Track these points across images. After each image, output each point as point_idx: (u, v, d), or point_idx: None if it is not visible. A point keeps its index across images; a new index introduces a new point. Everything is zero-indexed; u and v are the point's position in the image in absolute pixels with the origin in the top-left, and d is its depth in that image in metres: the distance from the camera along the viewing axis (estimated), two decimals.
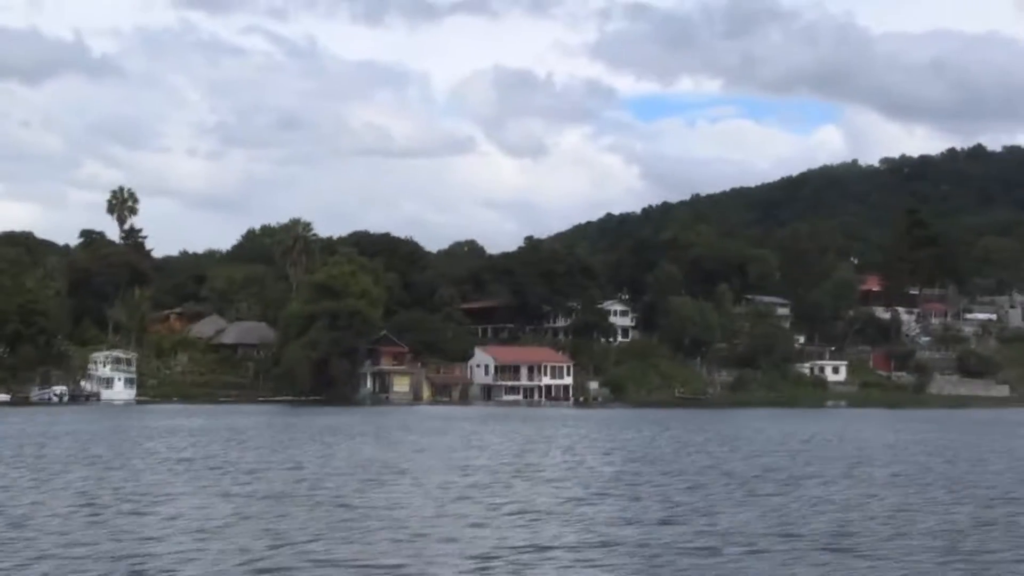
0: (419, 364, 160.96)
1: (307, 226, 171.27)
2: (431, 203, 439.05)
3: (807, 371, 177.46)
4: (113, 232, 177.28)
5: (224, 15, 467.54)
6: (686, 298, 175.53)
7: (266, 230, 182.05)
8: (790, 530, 30.61)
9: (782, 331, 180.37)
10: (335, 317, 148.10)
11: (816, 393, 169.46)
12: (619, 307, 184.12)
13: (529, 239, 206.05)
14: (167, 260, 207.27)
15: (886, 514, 34.52)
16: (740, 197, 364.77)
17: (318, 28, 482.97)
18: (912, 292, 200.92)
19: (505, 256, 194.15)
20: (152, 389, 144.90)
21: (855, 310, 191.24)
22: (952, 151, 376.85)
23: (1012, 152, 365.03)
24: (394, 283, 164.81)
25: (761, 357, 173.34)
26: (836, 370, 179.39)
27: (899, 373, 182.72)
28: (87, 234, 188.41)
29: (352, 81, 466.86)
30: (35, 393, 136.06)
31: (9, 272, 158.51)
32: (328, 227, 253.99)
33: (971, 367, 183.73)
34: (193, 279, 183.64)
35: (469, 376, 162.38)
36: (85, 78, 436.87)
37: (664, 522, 32.18)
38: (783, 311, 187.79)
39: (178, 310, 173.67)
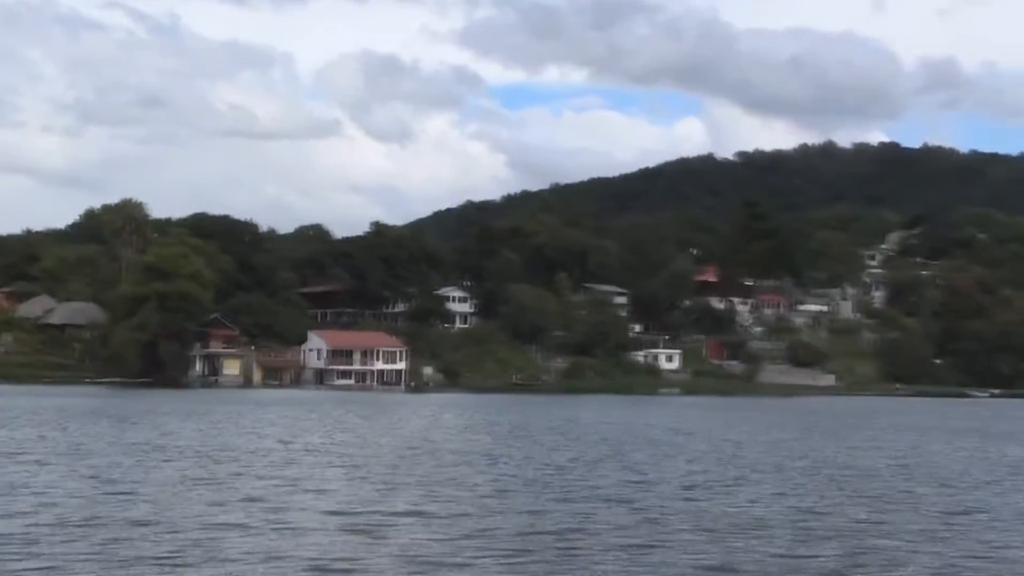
0: (252, 347, 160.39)
1: (139, 206, 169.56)
2: (294, 186, 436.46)
3: (641, 359, 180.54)
4: None
5: None
6: (525, 285, 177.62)
7: (106, 209, 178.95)
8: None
9: (618, 319, 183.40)
10: (164, 299, 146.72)
11: (650, 381, 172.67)
12: (459, 293, 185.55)
13: (376, 224, 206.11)
14: (3, 239, 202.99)
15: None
16: (600, 187, 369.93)
17: (181, 6, 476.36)
18: (748, 284, 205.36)
19: (346, 240, 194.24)
20: None
21: (691, 300, 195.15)
22: (804, 147, 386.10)
23: (862, 149, 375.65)
24: (229, 265, 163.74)
25: (597, 345, 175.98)
26: (670, 358, 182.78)
27: (731, 362, 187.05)
28: None
29: (216, 60, 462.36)
30: None
31: None
32: (186, 208, 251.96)
33: (800, 357, 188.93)
34: (26, 258, 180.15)
35: (303, 360, 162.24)
36: None
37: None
38: (621, 300, 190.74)
39: (7, 289, 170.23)
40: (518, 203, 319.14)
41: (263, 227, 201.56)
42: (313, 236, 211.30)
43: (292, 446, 53.28)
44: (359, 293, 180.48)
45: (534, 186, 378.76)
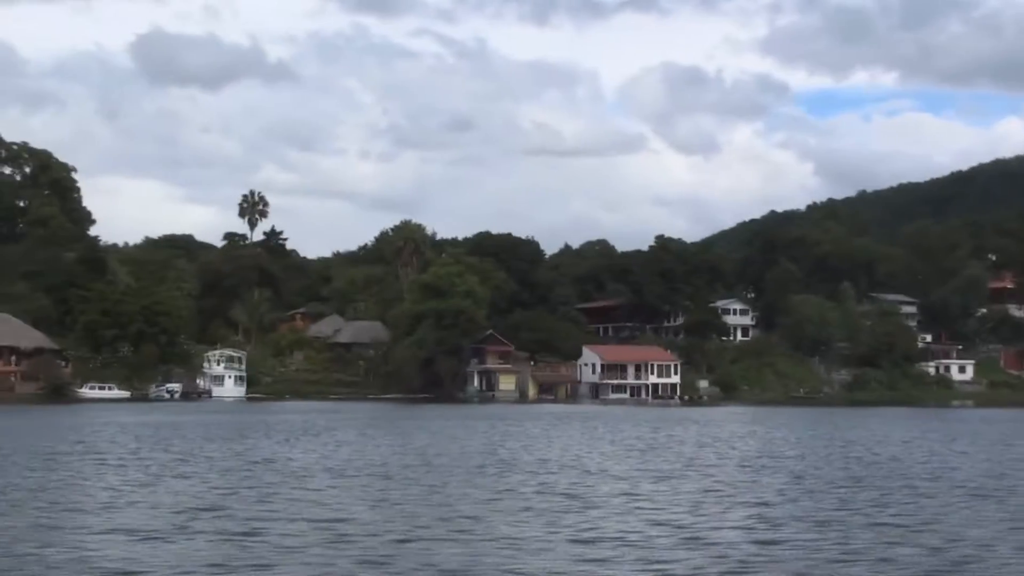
0: (531, 362, 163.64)
1: (419, 227, 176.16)
2: (600, 201, 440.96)
3: (931, 370, 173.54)
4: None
5: (394, 19, 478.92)
6: (806, 296, 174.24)
7: (393, 230, 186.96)
8: None
9: (905, 329, 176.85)
10: (441, 316, 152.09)
11: (940, 393, 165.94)
12: (739, 306, 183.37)
13: (659, 238, 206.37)
14: (305, 261, 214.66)
15: None
16: (908, 193, 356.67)
17: (487, 30, 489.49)
18: None
19: (624, 255, 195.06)
20: (266, 387, 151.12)
21: (986, 308, 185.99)
22: None
23: None
24: (505, 283, 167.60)
25: (882, 356, 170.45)
26: (963, 369, 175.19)
27: None
28: (229, 236, 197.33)
29: (521, 81, 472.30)
30: (152, 390, 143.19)
31: (143, 274, 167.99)
32: (495, 225, 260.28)
33: None
34: (322, 280, 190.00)
35: (578, 374, 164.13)
36: (261, 83, 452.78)
37: None
38: (909, 309, 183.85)
39: (302, 310, 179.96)
40: (821, 212, 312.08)
41: (563, 243, 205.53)
42: (598, 251, 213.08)
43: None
44: (638, 307, 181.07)
45: (842, 194, 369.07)
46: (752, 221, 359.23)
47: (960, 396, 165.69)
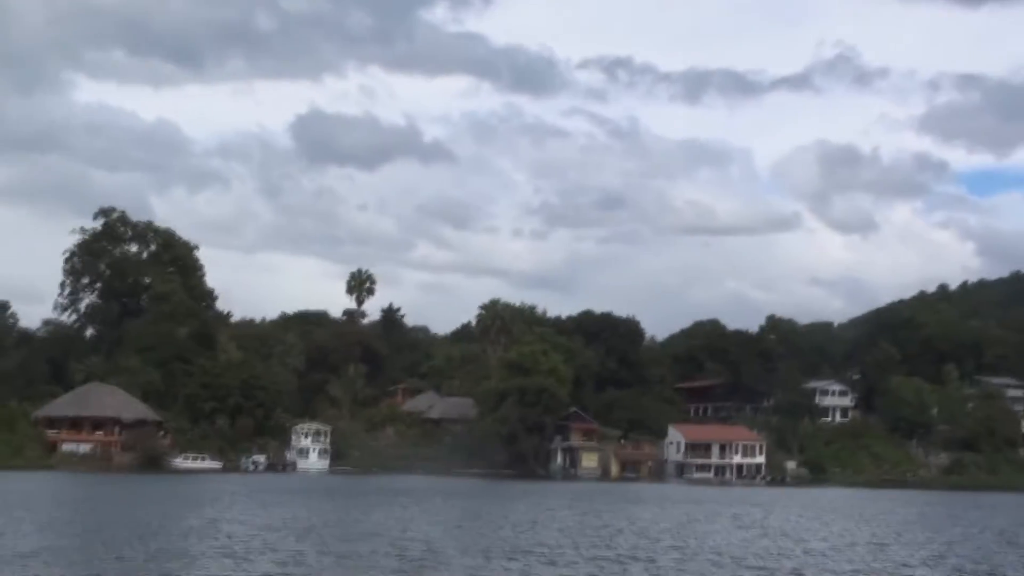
0: (621, 440, 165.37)
1: (506, 306, 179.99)
2: (753, 280, 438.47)
3: None
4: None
5: (547, 98, 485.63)
6: (904, 377, 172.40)
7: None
8: None
9: (1008, 413, 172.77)
10: (524, 393, 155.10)
11: None
12: (836, 387, 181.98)
13: (770, 318, 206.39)
14: (425, 338, 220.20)
15: None
16: None
17: (639, 109, 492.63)
18: None
19: (724, 335, 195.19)
20: (354, 460, 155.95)
21: None
22: None
23: None
24: (591, 361, 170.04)
25: (983, 440, 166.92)
26: None
27: None
28: (348, 313, 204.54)
29: (674, 159, 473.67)
30: (242, 462, 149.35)
31: (252, 349, 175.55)
32: (640, 304, 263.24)
33: None
34: (427, 356, 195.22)
35: (664, 453, 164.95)
36: (417, 162, 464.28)
37: None
38: (1016, 393, 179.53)
39: (403, 385, 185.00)
40: (970, 292, 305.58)
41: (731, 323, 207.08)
42: (707, 331, 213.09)
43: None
44: (736, 387, 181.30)
45: (1000, 274, 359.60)
46: (900, 302, 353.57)
47: None
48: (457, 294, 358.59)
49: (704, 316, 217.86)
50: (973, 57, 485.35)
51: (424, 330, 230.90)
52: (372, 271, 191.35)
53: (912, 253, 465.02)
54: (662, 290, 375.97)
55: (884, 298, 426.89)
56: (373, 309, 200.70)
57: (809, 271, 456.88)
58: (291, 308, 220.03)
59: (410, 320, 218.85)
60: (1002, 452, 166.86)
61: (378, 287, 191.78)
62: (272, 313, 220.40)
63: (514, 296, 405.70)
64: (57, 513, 63.95)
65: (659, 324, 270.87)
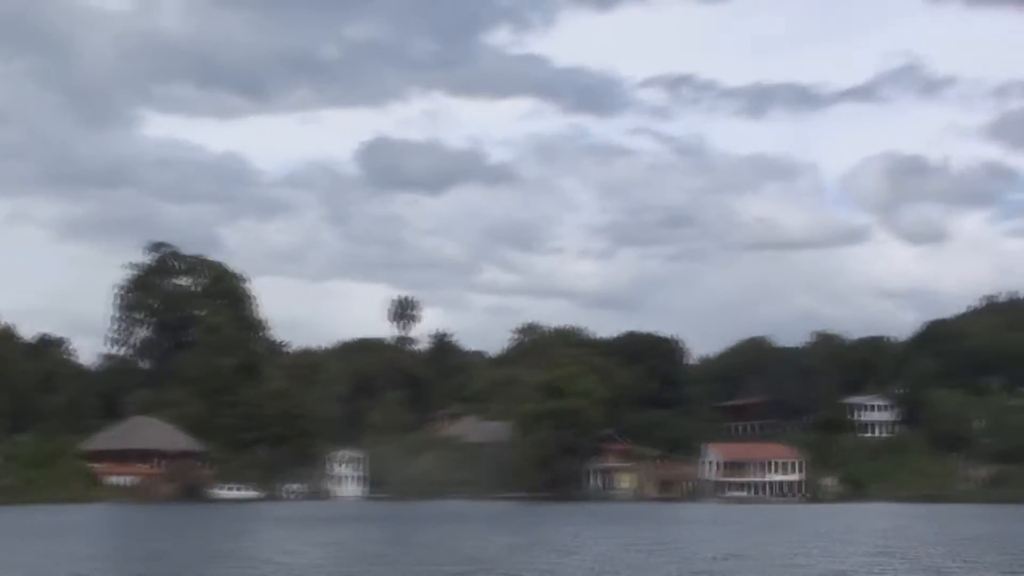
0: (657, 461, 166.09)
1: (540, 328, 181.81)
2: (823, 294, 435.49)
3: None
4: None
5: (611, 118, 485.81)
6: (946, 391, 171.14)
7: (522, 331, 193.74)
8: None
9: None
10: (559, 416, 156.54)
11: None
12: (877, 402, 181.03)
13: (819, 334, 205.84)
14: (470, 362, 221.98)
15: None
16: None
17: (705, 125, 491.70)
18: None
19: (764, 352, 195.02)
20: (391, 487, 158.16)
21: None
22: None
23: None
24: (629, 382, 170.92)
25: None
26: None
27: None
28: (402, 340, 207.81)
29: (739, 175, 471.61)
30: (280, 490, 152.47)
31: (298, 378, 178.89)
32: (712, 321, 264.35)
33: None
34: (472, 380, 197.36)
35: (701, 472, 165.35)
36: (482, 186, 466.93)
37: None
38: None
39: (447, 411, 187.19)
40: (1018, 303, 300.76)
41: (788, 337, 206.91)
42: (749, 347, 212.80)
43: None
44: (777, 404, 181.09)
45: None
46: (963, 315, 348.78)
47: None
48: (524, 317, 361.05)
49: (769, 333, 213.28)
50: None
51: (481, 355, 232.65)
52: (430, 296, 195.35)
53: (983, 262, 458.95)
54: (729, 307, 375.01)
55: (952, 309, 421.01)
56: (423, 334, 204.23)
57: (879, 284, 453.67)
58: (356, 335, 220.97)
59: (476, 345, 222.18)
60: None
61: (442, 312, 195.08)
62: (336, 341, 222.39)
63: (580, 317, 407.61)
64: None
65: (722, 341, 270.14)
